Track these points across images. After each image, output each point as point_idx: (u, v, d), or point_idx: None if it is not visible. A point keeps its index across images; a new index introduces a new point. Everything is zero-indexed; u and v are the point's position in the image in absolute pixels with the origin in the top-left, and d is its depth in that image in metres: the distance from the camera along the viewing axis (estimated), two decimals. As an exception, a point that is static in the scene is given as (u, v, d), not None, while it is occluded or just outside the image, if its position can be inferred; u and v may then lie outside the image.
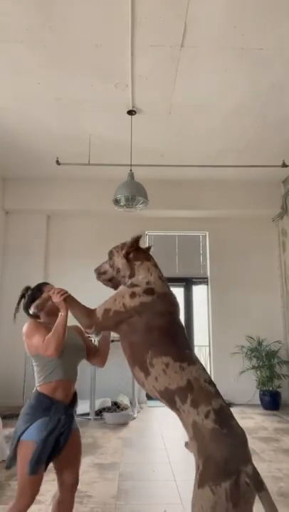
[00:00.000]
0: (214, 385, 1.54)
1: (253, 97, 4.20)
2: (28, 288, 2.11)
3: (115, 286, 1.93)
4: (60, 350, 1.87)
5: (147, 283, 1.75)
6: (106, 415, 5.02)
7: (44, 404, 1.91)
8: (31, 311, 2.05)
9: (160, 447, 4.03)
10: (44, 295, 2.01)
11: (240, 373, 6.03)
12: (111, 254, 1.95)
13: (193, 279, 6.85)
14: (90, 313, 1.79)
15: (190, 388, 1.50)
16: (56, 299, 1.91)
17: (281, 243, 6.60)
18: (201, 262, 6.88)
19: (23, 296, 2.10)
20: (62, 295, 1.91)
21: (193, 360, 1.59)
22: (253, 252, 6.65)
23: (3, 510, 2.56)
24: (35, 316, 2.07)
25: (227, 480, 1.28)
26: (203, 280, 6.79)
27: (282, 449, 3.95)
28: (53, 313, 2.00)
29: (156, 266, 1.84)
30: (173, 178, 6.23)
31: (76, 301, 1.90)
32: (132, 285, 1.76)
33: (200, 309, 6.78)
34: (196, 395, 1.48)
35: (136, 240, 1.87)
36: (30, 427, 1.86)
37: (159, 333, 1.63)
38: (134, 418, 5.22)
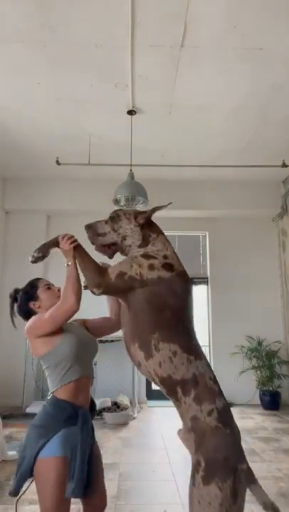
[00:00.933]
0: (218, 384, 1.52)
1: (253, 97, 4.20)
2: (17, 290, 1.88)
3: (111, 255, 1.76)
4: (80, 301, 1.62)
5: (165, 257, 1.63)
6: (106, 415, 5.02)
7: (67, 413, 1.62)
8: (32, 257, 1.72)
9: (160, 447, 4.03)
10: (52, 239, 1.76)
11: (240, 373, 6.03)
12: (118, 217, 1.74)
13: (194, 279, 6.84)
14: (101, 271, 1.64)
15: (195, 383, 1.46)
16: (65, 245, 1.68)
17: (281, 243, 6.60)
18: (201, 262, 6.88)
19: (15, 299, 1.86)
20: (72, 242, 1.69)
21: (200, 355, 1.53)
22: (253, 252, 6.65)
23: (3, 510, 2.56)
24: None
25: (231, 477, 1.32)
26: (203, 280, 6.79)
27: (282, 449, 3.95)
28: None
29: (169, 241, 1.73)
30: (173, 178, 6.23)
31: (87, 253, 1.70)
32: (148, 256, 1.62)
33: (200, 309, 6.78)
34: (201, 392, 1.45)
35: (155, 211, 1.72)
36: (51, 440, 1.56)
37: (171, 315, 1.54)
38: (134, 418, 5.22)
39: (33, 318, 1.71)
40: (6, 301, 1.92)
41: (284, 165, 5.17)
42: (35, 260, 1.72)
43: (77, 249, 1.69)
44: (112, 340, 5.42)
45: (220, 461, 1.33)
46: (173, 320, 1.54)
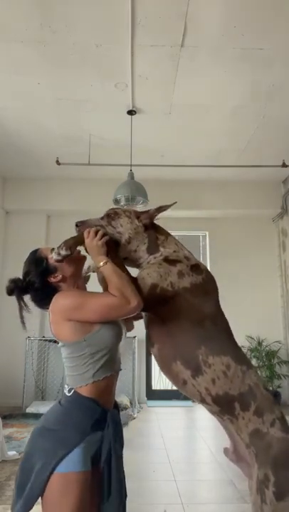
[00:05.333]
0: (270, 391, 1.43)
1: (253, 97, 4.20)
2: (15, 280, 1.45)
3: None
4: None
5: (186, 258, 1.46)
6: (106, 415, 5.02)
7: (95, 416, 1.29)
8: (57, 254, 1.39)
9: (160, 447, 4.03)
10: (77, 235, 1.46)
11: (240, 373, 6.01)
12: (116, 214, 1.51)
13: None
14: (134, 283, 1.36)
15: (252, 395, 1.34)
16: (93, 241, 1.37)
17: (281, 243, 6.60)
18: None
19: (21, 290, 1.44)
20: (101, 237, 1.39)
21: (250, 363, 1.42)
22: (253, 252, 6.64)
23: (3, 510, 2.56)
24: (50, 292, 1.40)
25: None
26: (203, 280, 6.77)
27: (282, 449, 3.95)
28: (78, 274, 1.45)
29: (179, 242, 1.55)
30: (173, 178, 6.23)
31: (119, 255, 1.45)
32: (171, 260, 1.43)
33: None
34: (260, 403, 1.34)
35: (160, 211, 1.52)
36: (74, 451, 1.23)
37: (212, 325, 1.40)
38: (134, 418, 5.22)
39: (68, 295, 1.36)
40: (6, 302, 1.61)
41: (284, 165, 5.18)
42: (62, 259, 1.40)
43: (107, 247, 1.41)
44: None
45: None
46: (215, 329, 1.41)
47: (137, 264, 1.53)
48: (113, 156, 5.18)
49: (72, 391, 1.33)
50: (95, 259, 1.39)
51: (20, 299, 1.43)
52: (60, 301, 1.34)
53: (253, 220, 6.76)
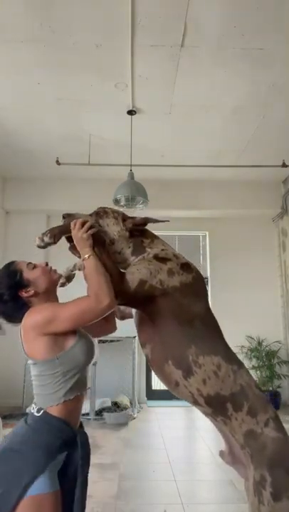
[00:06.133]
0: (262, 390, 1.42)
1: (253, 97, 4.20)
2: None
3: None
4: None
5: (176, 256, 1.45)
6: (106, 415, 5.02)
7: (63, 437, 1.27)
8: (41, 240, 1.41)
9: (160, 447, 4.03)
10: (63, 225, 1.46)
11: (240, 373, 6.01)
12: (104, 213, 1.52)
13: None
14: (121, 276, 1.37)
15: (245, 395, 1.33)
16: (79, 233, 1.36)
17: (281, 243, 6.60)
18: (200, 262, 6.87)
19: None
20: (88, 229, 1.38)
21: (240, 363, 1.42)
22: (253, 252, 6.64)
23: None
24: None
25: None
26: (203, 280, 6.77)
27: (282, 449, 3.95)
28: (52, 289, 1.44)
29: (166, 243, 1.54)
30: (173, 178, 6.22)
31: (106, 248, 1.44)
32: (161, 258, 1.42)
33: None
34: (253, 403, 1.32)
35: (147, 222, 1.50)
36: (42, 474, 1.19)
37: (202, 324, 1.39)
38: (134, 418, 5.22)
39: (39, 311, 1.32)
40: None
41: (284, 165, 5.18)
42: (45, 245, 1.42)
43: (95, 240, 1.39)
44: (111, 341, 5.42)
45: (286, 474, 1.23)
46: (205, 329, 1.41)
47: (122, 267, 1.50)
48: (113, 156, 5.18)
49: (42, 411, 1.31)
50: (81, 250, 1.39)
51: None
52: (33, 317, 1.31)
53: (253, 220, 6.76)
